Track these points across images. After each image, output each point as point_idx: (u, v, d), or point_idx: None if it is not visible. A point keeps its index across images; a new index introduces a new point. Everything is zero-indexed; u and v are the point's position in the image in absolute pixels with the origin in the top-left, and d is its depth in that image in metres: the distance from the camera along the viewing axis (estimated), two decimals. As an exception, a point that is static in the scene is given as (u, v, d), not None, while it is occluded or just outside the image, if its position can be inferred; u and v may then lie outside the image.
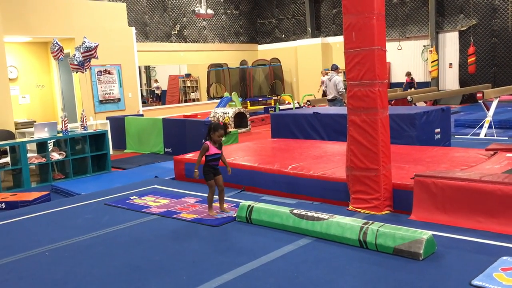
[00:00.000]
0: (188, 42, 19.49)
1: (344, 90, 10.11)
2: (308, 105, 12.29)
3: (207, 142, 4.66)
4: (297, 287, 3.10)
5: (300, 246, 3.84)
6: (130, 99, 13.27)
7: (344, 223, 3.88)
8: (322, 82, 15.54)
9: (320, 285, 3.10)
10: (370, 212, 4.54)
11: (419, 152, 6.12)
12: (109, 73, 12.76)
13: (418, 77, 18.13)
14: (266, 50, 21.88)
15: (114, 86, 12.90)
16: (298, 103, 16.35)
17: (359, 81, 4.49)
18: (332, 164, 5.62)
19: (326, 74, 15.82)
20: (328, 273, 3.30)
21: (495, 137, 9.13)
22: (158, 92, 21.96)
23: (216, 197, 4.88)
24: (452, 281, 3.06)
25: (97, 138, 8.24)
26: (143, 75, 23.90)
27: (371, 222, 3.83)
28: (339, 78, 10.43)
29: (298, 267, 3.43)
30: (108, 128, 9.97)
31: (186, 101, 21.63)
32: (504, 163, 4.96)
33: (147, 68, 24.00)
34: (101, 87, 12.64)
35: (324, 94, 14.46)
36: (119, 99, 13.03)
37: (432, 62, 17.52)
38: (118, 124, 10.78)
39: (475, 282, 3.01)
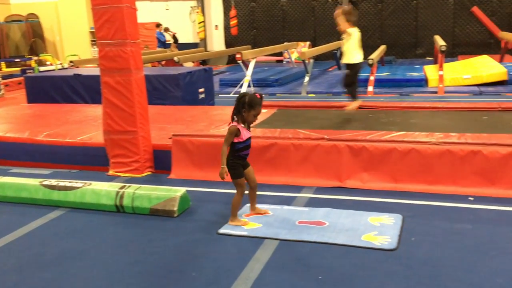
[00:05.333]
0: None
1: None
2: (72, 66, 11.41)
3: (235, 123, 3.28)
4: (40, 266, 2.85)
5: (51, 219, 3.56)
6: None
7: (100, 190, 3.73)
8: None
9: (70, 258, 2.93)
10: (131, 175, 4.49)
11: (182, 112, 6.29)
12: None
13: (187, 38, 18.52)
14: (21, 5, 19.26)
15: None
16: (61, 64, 15.06)
17: (109, 41, 4.29)
18: (92, 128, 5.34)
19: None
20: (80, 243, 3.14)
21: (253, 95, 9.99)
22: None
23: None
24: (202, 232, 3.25)
25: None
26: None
27: (128, 185, 3.77)
28: None
29: (46, 242, 3.17)
30: None
31: None
32: (253, 118, 5.45)
33: None
34: None
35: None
36: None
37: (199, 23, 18.09)
38: None
39: (221, 230, 3.25)
